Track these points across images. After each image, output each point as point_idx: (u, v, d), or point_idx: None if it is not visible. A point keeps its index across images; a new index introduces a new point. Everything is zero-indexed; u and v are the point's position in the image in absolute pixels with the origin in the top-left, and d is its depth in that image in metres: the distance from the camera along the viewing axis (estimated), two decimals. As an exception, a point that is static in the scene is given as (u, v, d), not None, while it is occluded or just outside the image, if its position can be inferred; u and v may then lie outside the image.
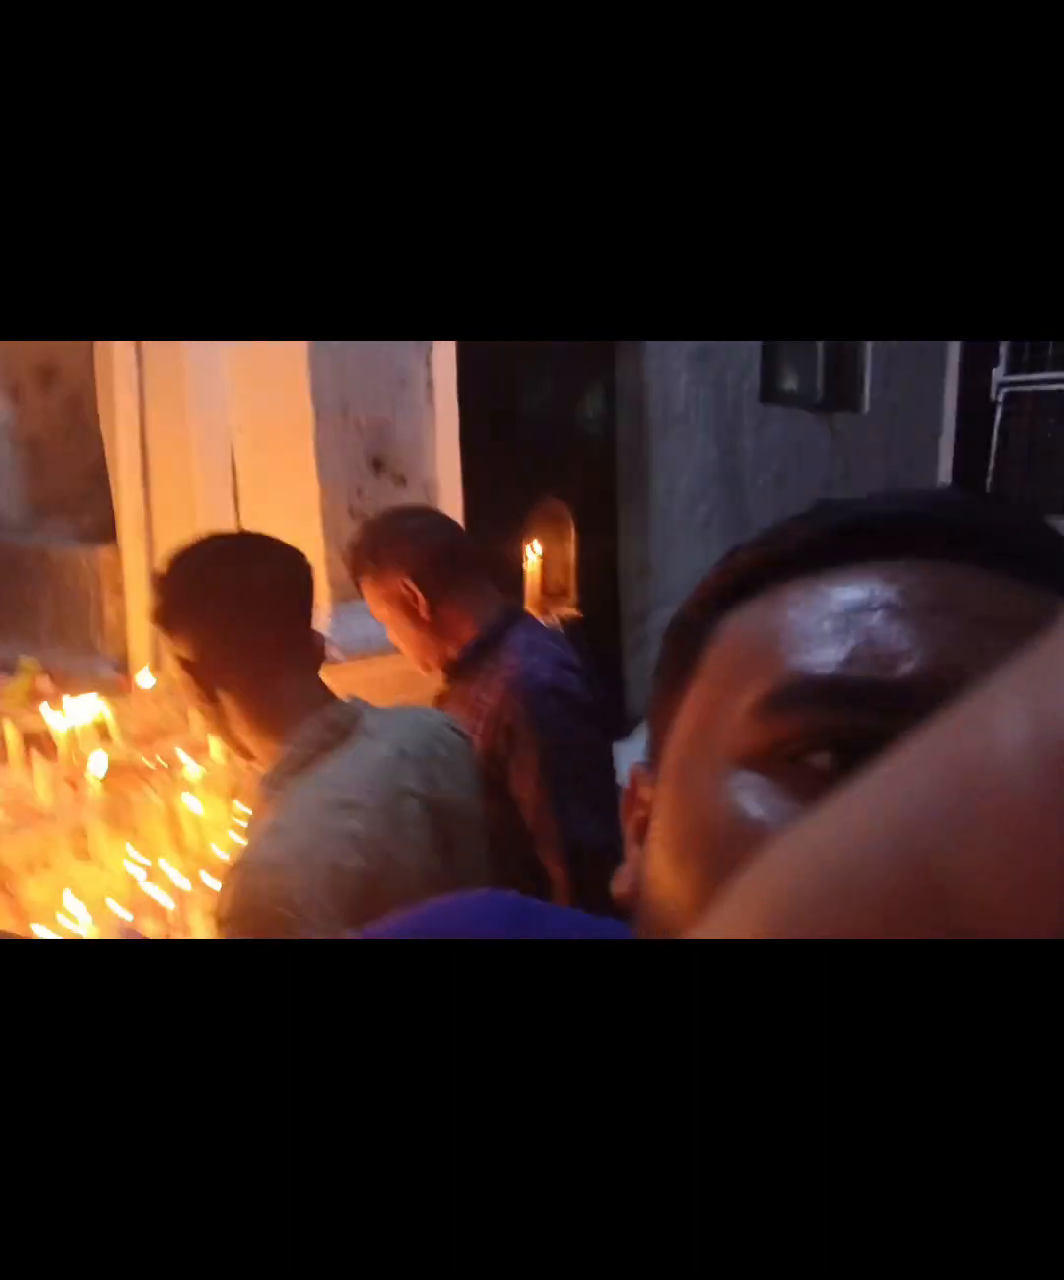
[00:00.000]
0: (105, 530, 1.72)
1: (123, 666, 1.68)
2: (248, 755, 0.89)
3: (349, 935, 0.70)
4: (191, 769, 1.28)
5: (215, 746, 1.32)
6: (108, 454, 1.66)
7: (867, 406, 2.79)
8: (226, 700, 0.85)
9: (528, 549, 1.61)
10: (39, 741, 1.23)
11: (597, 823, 1.09)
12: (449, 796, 0.88)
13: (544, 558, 1.68)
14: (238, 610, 0.84)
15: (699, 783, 0.27)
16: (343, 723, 0.85)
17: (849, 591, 0.26)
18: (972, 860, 0.10)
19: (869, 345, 2.74)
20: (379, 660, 1.34)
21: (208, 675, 0.85)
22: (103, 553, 1.71)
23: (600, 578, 2.02)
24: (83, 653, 1.78)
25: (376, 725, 0.86)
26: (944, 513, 0.28)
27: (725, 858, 0.25)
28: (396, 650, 1.28)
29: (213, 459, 1.52)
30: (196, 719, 1.42)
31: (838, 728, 0.24)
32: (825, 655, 0.25)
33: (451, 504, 1.55)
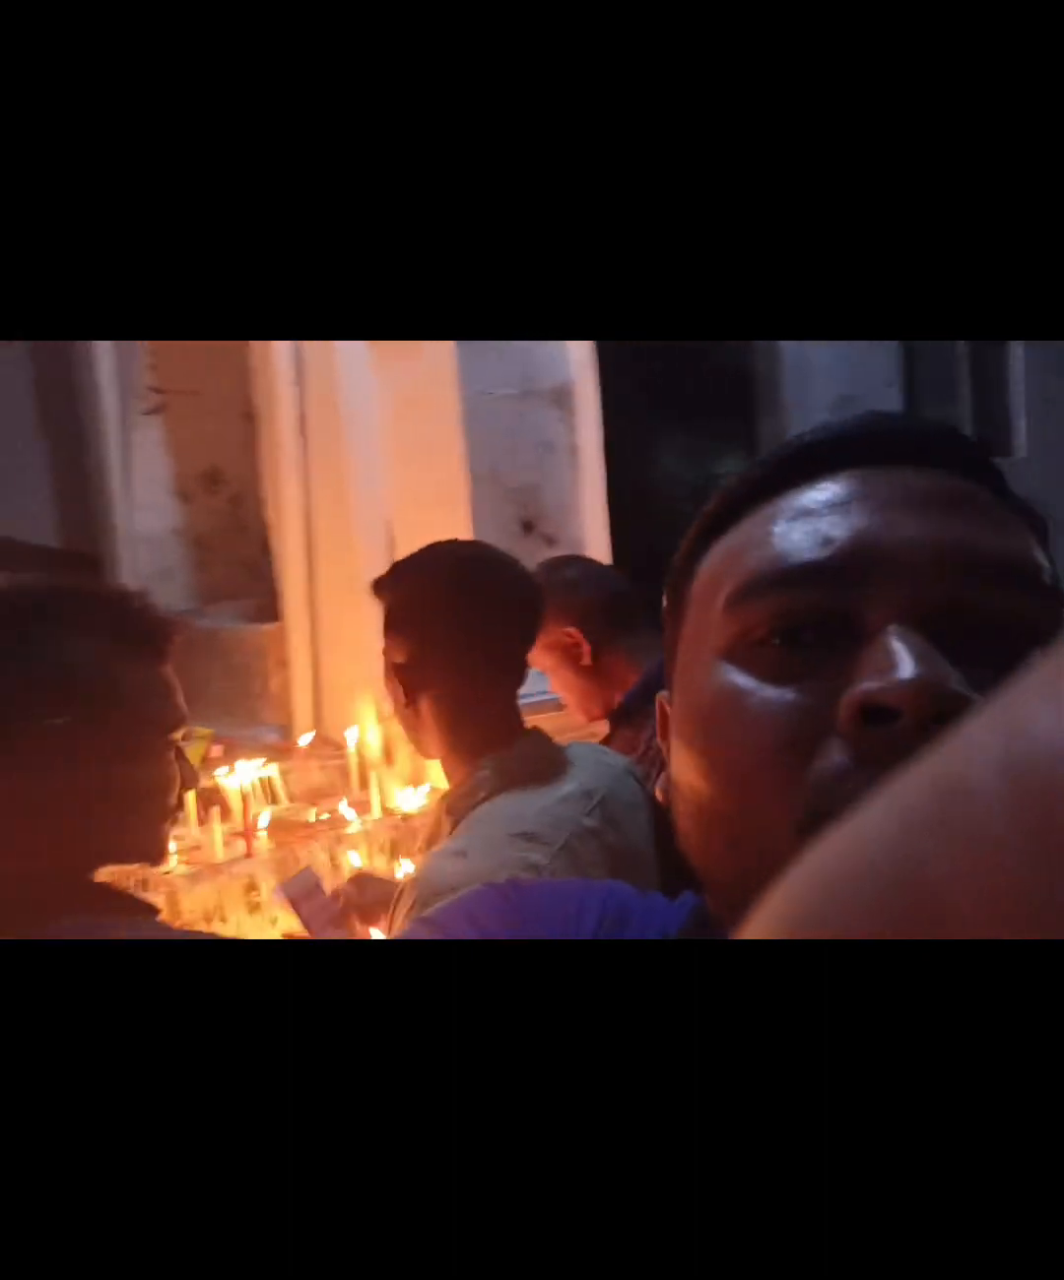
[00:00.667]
0: (265, 613, 1.82)
1: (286, 733, 1.75)
2: (429, 756, 0.89)
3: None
4: (354, 824, 1.31)
5: (376, 803, 1.34)
6: (273, 536, 1.77)
7: (1020, 452, 2.67)
8: (427, 710, 0.84)
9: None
10: (214, 801, 1.28)
11: None
12: (627, 840, 0.84)
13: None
14: (467, 624, 0.83)
15: (695, 679, 0.31)
16: (533, 756, 0.84)
17: (793, 502, 0.31)
18: (953, 872, 0.12)
19: (1020, 388, 2.64)
20: (551, 709, 1.33)
21: (416, 681, 0.84)
22: (269, 630, 1.80)
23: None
24: (248, 722, 1.87)
25: (564, 761, 0.85)
26: (868, 428, 0.32)
27: (718, 732, 0.29)
28: (545, 701, 1.28)
29: (372, 530, 1.59)
30: (355, 778, 1.46)
31: (793, 609, 0.28)
32: (770, 551, 0.30)
33: (600, 559, 1.56)
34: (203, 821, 1.25)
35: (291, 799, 1.42)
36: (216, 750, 1.67)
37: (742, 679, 0.28)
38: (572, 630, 1.17)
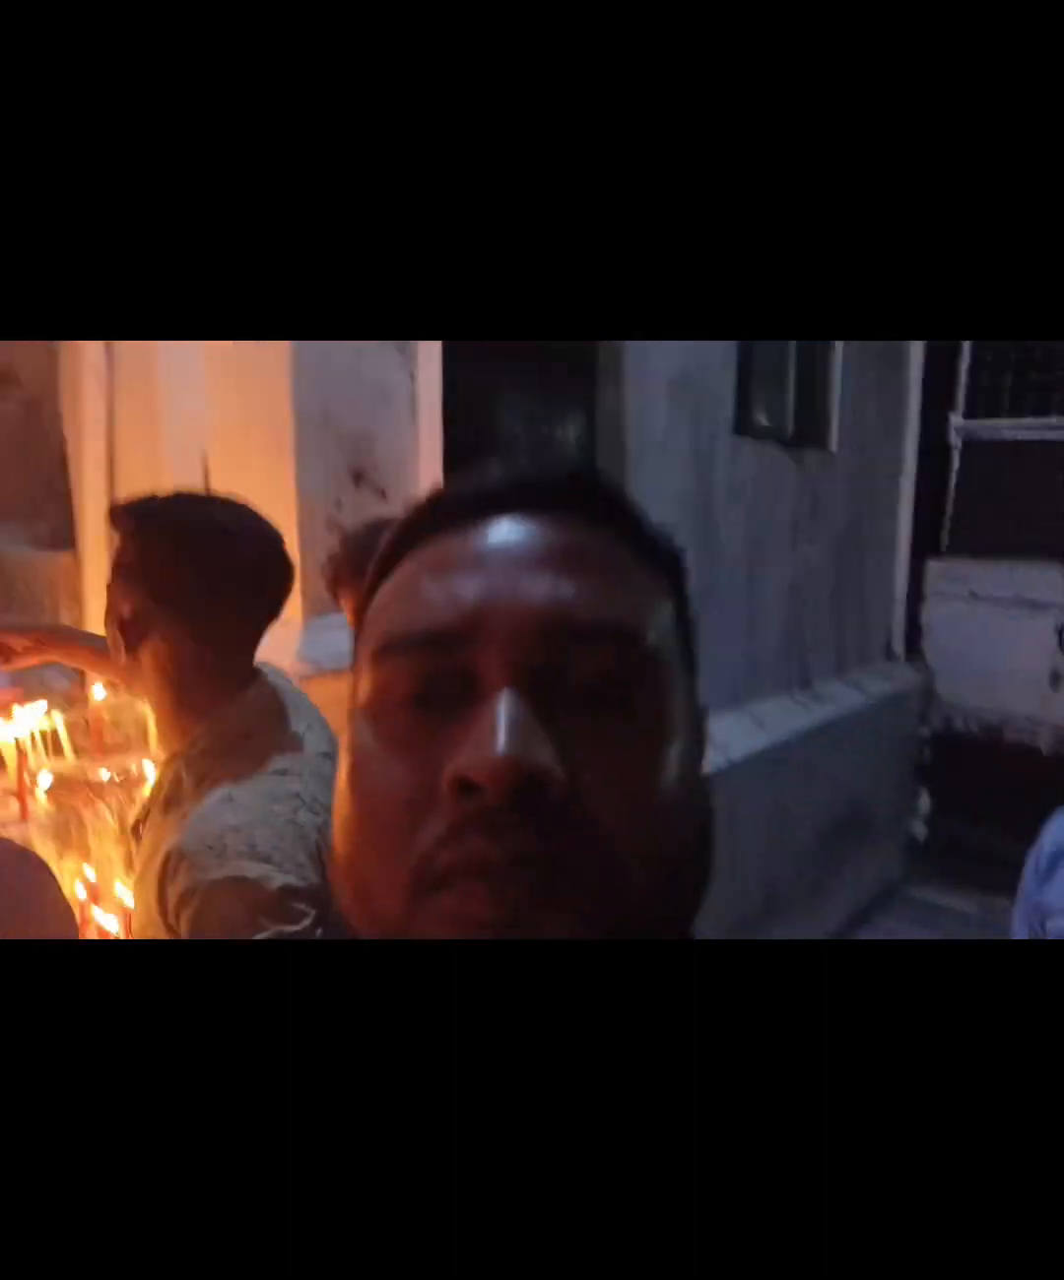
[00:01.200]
0: (60, 537, 1.65)
1: (80, 679, 1.61)
2: (145, 701, 0.87)
3: (316, 878, 0.74)
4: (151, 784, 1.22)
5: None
6: (71, 458, 1.60)
7: (834, 445, 2.84)
8: (149, 662, 0.80)
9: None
10: (-14, 753, 1.16)
11: None
12: None
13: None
14: (206, 595, 0.79)
15: (347, 737, 0.32)
16: (266, 699, 0.85)
17: (439, 551, 0.32)
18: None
19: (837, 383, 2.79)
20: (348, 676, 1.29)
21: (142, 631, 0.80)
22: (62, 559, 1.64)
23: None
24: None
25: (293, 694, 0.88)
26: (510, 480, 0.33)
27: (350, 793, 0.30)
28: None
29: (185, 465, 1.47)
30: (154, 735, 1.37)
31: (422, 671, 0.30)
32: (408, 609, 0.31)
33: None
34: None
35: (78, 754, 1.30)
36: (-7, 694, 1.51)
37: (372, 743, 0.30)
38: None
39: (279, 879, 0.72)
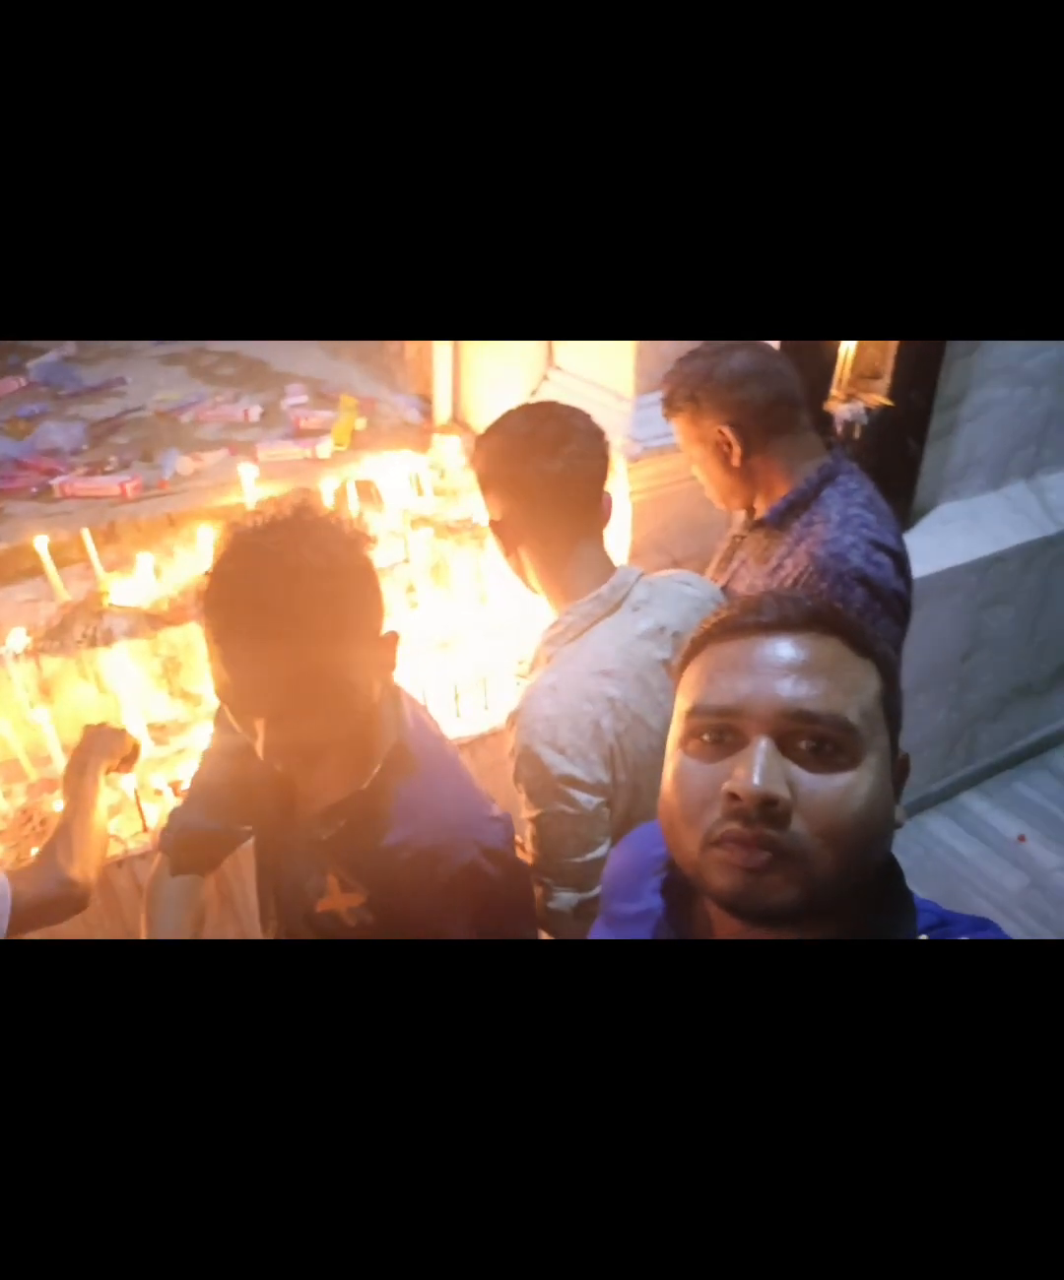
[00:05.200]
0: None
1: (425, 409, 1.80)
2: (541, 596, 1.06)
3: (603, 775, 0.95)
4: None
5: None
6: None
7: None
8: (525, 560, 1.03)
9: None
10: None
11: None
12: None
13: (863, 336, 1.50)
14: (540, 490, 0.97)
15: (672, 752, 0.56)
16: (613, 598, 1.01)
17: (727, 654, 0.54)
18: None
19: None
20: (675, 454, 1.31)
21: (509, 537, 1.02)
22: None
23: (920, 357, 1.74)
24: (386, 387, 1.86)
25: (644, 597, 1.03)
26: (776, 611, 0.54)
27: (675, 788, 0.54)
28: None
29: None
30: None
31: (714, 726, 0.53)
32: (710, 691, 0.53)
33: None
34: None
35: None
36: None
37: (682, 762, 0.54)
38: (724, 429, 1.12)
39: (564, 769, 0.95)
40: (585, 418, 1.02)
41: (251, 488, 1.51)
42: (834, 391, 1.75)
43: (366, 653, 0.75)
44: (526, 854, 0.98)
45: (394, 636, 0.78)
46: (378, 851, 0.80)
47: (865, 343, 1.69)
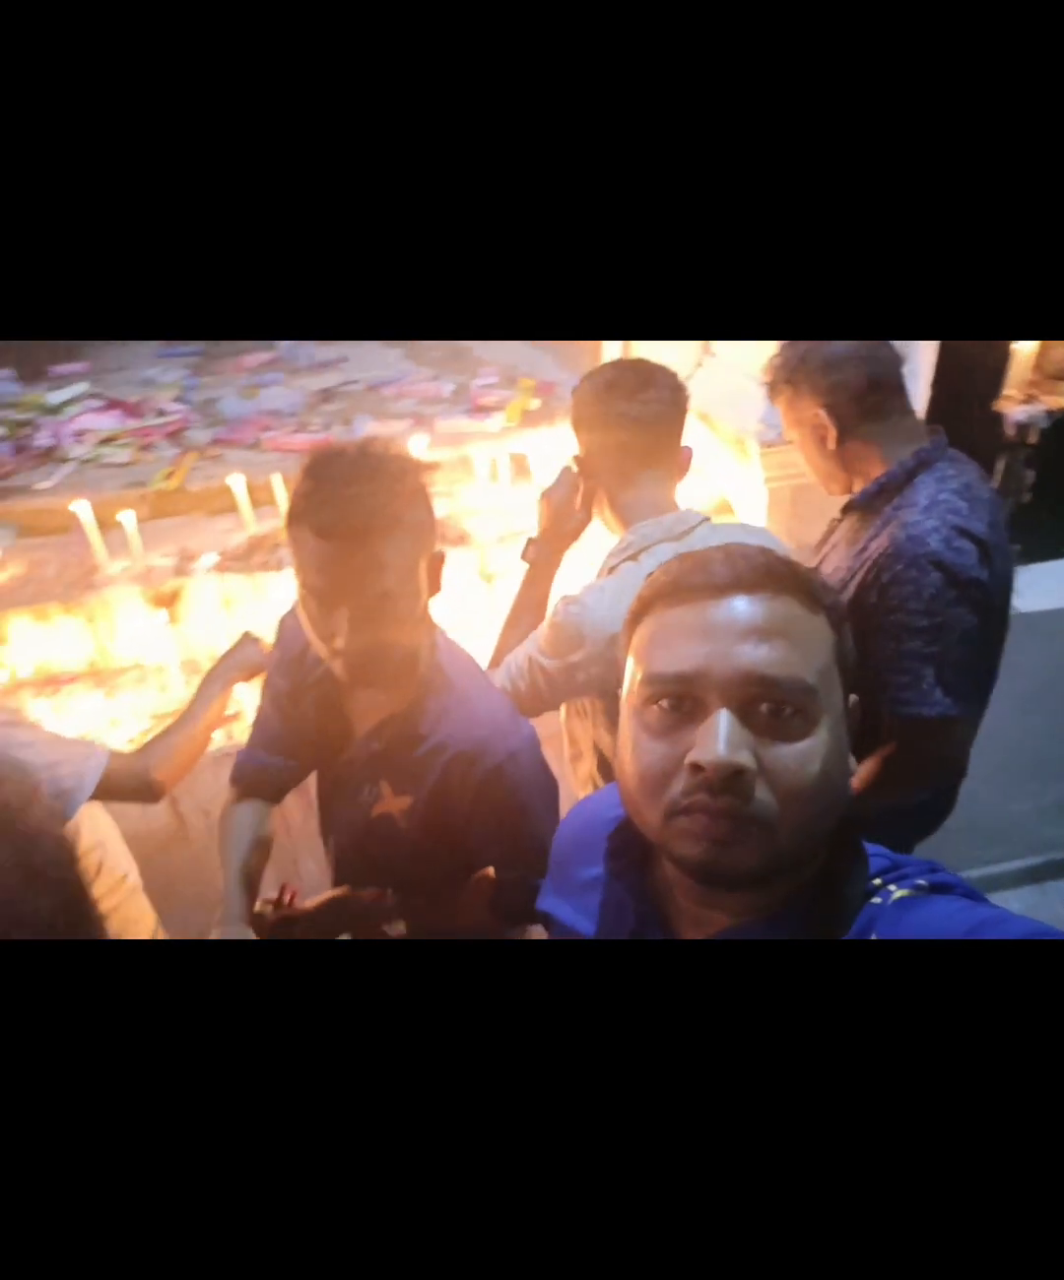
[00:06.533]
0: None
1: None
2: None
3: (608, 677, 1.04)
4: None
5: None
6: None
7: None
8: (602, 495, 1.17)
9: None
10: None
11: (940, 699, 1.07)
12: None
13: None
14: (617, 428, 1.11)
15: (627, 719, 0.54)
16: (677, 528, 1.12)
17: (678, 617, 0.52)
18: None
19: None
20: None
21: (591, 470, 1.17)
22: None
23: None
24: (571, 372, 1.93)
25: (706, 536, 1.12)
26: (727, 566, 0.51)
27: (627, 756, 0.52)
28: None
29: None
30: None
31: (671, 692, 0.50)
32: (664, 656, 0.51)
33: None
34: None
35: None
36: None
37: (640, 730, 0.52)
38: (819, 411, 1.14)
39: (588, 651, 1.08)
40: (668, 373, 1.12)
41: (420, 453, 1.70)
42: (1009, 390, 1.67)
43: (426, 567, 0.85)
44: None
45: (442, 557, 0.87)
46: (421, 757, 0.92)
47: (1053, 342, 1.58)
